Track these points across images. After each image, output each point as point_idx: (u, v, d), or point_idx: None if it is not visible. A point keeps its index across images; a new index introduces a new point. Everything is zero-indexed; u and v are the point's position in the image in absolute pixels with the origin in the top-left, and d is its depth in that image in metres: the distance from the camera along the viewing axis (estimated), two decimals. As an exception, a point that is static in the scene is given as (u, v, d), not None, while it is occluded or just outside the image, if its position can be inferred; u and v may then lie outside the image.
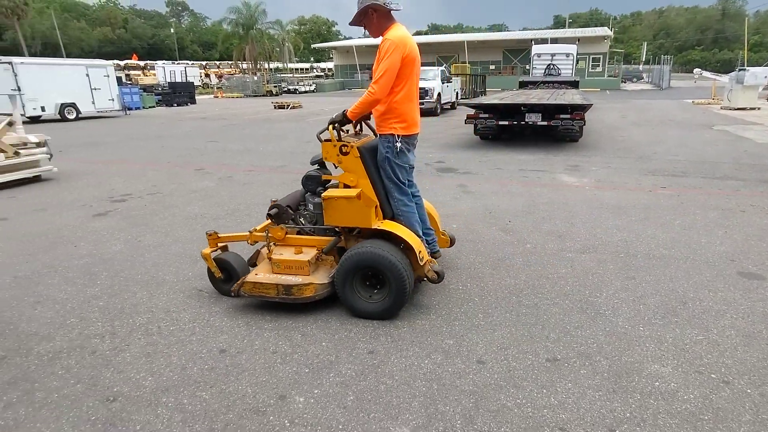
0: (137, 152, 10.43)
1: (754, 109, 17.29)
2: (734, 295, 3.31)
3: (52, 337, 2.97)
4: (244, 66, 46.43)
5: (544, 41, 33.66)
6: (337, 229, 3.27)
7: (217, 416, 2.24)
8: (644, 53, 61.41)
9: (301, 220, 3.54)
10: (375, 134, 3.37)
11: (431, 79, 18.03)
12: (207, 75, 50.51)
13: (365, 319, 3.08)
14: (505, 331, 2.90)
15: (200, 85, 42.83)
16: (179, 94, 27.65)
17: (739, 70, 19.04)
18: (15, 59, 17.77)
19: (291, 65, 53.63)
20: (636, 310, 3.13)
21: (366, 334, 2.92)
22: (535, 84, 17.71)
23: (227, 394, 2.39)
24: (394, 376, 2.51)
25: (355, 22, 3.18)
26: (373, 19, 3.05)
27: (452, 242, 3.86)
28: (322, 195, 3.16)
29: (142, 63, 47.87)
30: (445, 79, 18.92)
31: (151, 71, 43.52)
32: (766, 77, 19.30)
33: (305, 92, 39.27)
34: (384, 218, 3.24)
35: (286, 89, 38.75)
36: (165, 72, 39.71)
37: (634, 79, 49.62)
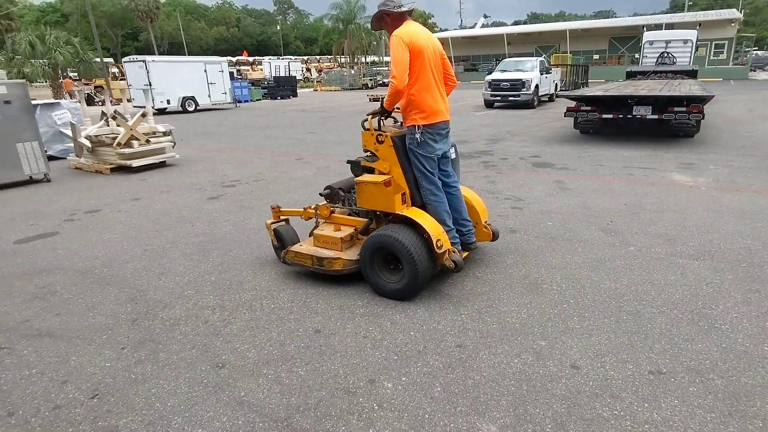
0: (245, 141, 11.25)
1: None
2: None
3: (173, 305, 3.34)
4: (342, 60, 47.88)
5: (657, 27, 30.79)
6: (375, 212, 3.49)
7: (311, 392, 2.39)
8: (783, 37, 53.55)
9: (350, 202, 3.80)
10: None
11: (528, 70, 17.34)
12: (308, 69, 52.85)
13: (454, 314, 3.08)
14: (602, 337, 2.75)
15: (301, 79, 44.92)
16: (283, 87, 29.27)
17: None
18: (147, 57, 19.94)
19: (386, 59, 54.32)
20: (761, 327, 2.80)
21: (454, 327, 2.92)
22: (644, 74, 16.23)
23: (321, 373, 2.54)
24: (482, 372, 2.49)
25: (375, 27, 3.48)
26: (387, 21, 3.30)
27: (495, 236, 3.82)
28: (355, 179, 3.42)
29: (251, 59, 51.30)
30: (544, 70, 18.07)
31: (258, 66, 46.50)
32: None
33: (399, 85, 39.48)
34: (413, 206, 3.38)
35: (381, 82, 39.39)
36: (271, 67, 42.23)
37: (767, 67, 43.65)
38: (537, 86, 16.92)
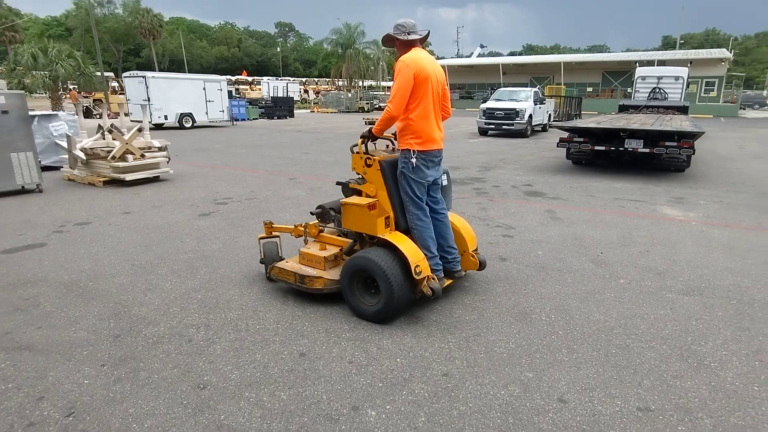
0: (240, 159, 11.26)
1: None
2: None
3: (157, 322, 3.28)
4: (340, 83, 48.50)
5: (650, 63, 31.59)
6: (361, 234, 3.51)
7: (293, 417, 2.33)
8: (771, 78, 55.21)
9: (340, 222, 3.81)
10: None
11: (523, 100, 17.64)
12: (306, 91, 53.44)
13: (441, 342, 3.05)
14: (590, 371, 2.72)
15: (299, 100, 45.39)
16: (280, 107, 29.50)
17: None
18: (148, 74, 20.11)
19: (383, 83, 55.12)
20: (750, 366, 2.78)
21: (441, 355, 2.88)
22: (636, 108, 16.56)
23: (304, 398, 2.48)
24: (468, 402, 2.45)
25: (386, 45, 3.56)
26: (396, 44, 3.40)
27: (482, 266, 3.78)
28: (341, 201, 3.47)
29: (250, 78, 51.81)
30: (538, 101, 18.39)
31: (257, 86, 46.92)
32: None
33: (396, 109, 40.03)
34: (397, 230, 3.42)
35: (377, 106, 39.86)
36: (269, 87, 42.62)
37: (757, 106, 44.75)
38: (531, 116, 17.18)
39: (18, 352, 2.90)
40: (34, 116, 8.93)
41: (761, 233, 5.52)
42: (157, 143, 8.47)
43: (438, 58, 74.03)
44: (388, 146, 3.80)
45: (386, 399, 2.47)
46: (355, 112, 36.49)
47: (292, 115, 29.66)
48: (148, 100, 19.14)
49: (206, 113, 21.52)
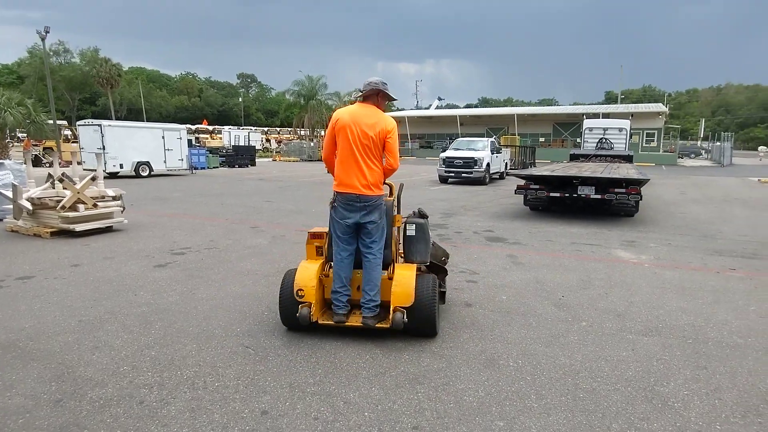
0: (199, 208, 11.02)
1: (830, 190, 16.22)
2: (826, 396, 2.94)
3: (105, 383, 3.04)
4: (303, 132, 49.07)
5: (595, 116, 33.70)
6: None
7: (255, 483, 2.17)
8: (702, 129, 59.96)
9: None
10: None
11: (480, 149, 18.37)
12: (268, 140, 53.72)
13: (410, 392, 2.96)
14: (560, 417, 2.70)
15: (261, 149, 45.48)
16: (241, 156, 29.41)
17: (810, 149, 18.15)
18: (104, 122, 19.73)
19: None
20: (711, 405, 2.83)
21: (410, 407, 2.79)
22: (586, 157, 17.53)
23: (266, 460, 2.32)
24: (440, 456, 2.36)
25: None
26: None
27: (391, 327, 3.52)
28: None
29: (210, 127, 51.71)
30: (495, 150, 19.17)
31: (218, 135, 46.83)
32: (841, 158, 18.19)
33: (358, 158, 40.73)
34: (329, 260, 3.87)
35: (339, 155, 40.41)
36: (230, 136, 42.63)
37: (692, 155, 48.23)
38: (488, 164, 17.82)
39: (-58, 423, 2.61)
40: (-22, 165, 8.49)
41: (707, 273, 5.79)
42: (111, 192, 8.19)
43: (398, 109, 76.58)
44: None
45: (354, 457, 2.35)
46: (318, 160, 36.80)
47: (253, 164, 29.56)
48: (103, 148, 18.68)
49: (164, 162, 21.15)
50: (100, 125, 19.21)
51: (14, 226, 7.96)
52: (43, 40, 26.87)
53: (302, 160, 37.47)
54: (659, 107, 40.68)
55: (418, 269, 3.81)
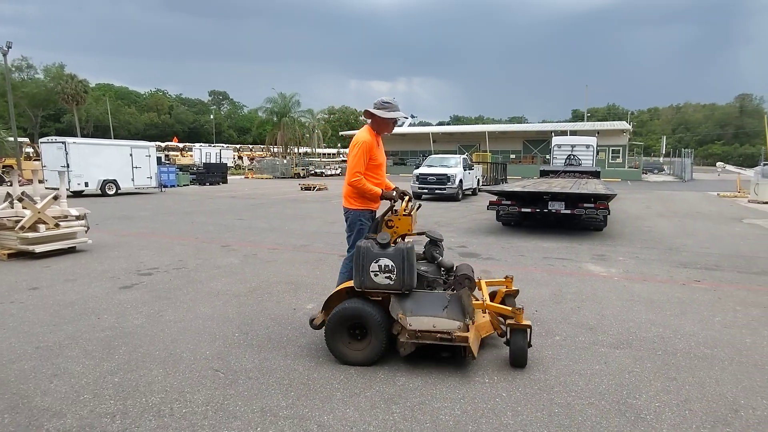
0: (168, 227, 10.74)
1: (783, 203, 17.02)
2: (789, 404, 3.02)
3: (63, 413, 2.87)
4: (275, 150, 48.83)
5: (563, 133, 34.71)
6: None
7: None
8: (664, 146, 62.43)
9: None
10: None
11: (453, 166, 18.61)
12: (240, 157, 53.20)
13: (385, 413, 2.90)
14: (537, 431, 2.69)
15: (233, 167, 44.98)
16: (212, 174, 29.00)
17: (764, 164, 19.12)
18: (69, 139, 19.17)
19: (319, 150, 56.15)
20: (681, 416, 2.87)
21: (386, 428, 2.73)
22: (556, 173, 17.98)
23: (236, 490, 2.22)
24: (417, 478, 2.30)
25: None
26: None
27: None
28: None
29: (181, 145, 50.90)
30: (467, 167, 19.45)
31: (188, 152, 46.09)
32: (792, 173, 19.25)
33: (331, 175, 40.78)
34: None
35: (313, 172, 40.33)
36: (201, 153, 42.01)
37: (656, 171, 50.04)
38: (461, 180, 18.06)
39: None
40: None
41: (674, 286, 5.94)
42: (74, 211, 7.91)
43: (371, 126, 77.10)
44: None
45: (328, 483, 2.27)
46: (291, 177, 36.60)
47: (225, 182, 29.17)
48: (68, 166, 18.13)
49: (132, 180, 20.66)
50: (64, 142, 18.66)
51: (-31, 247, 7.58)
52: (4, 55, 26.15)
53: (275, 177, 37.19)
54: (623, 125, 42.20)
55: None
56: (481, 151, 37.72)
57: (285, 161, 40.82)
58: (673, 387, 3.25)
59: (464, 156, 21.12)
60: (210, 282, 5.96)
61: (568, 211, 9.52)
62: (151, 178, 21.47)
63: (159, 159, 26.16)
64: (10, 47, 25.60)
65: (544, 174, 18.43)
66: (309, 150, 53.82)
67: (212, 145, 54.60)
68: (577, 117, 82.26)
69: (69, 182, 18.06)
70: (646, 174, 42.60)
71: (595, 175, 17.68)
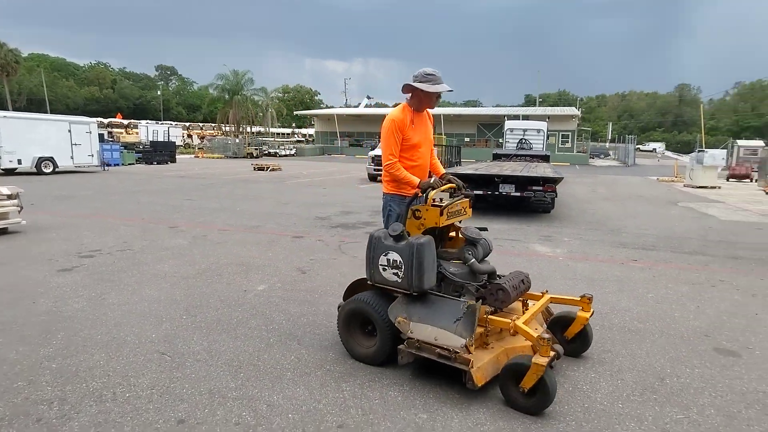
0: (111, 207, 10.24)
1: (715, 187, 18.26)
2: (711, 372, 3.29)
3: (-7, 403, 2.72)
4: (227, 128, 47.31)
5: (516, 117, 35.53)
6: None
7: (169, 498, 2.04)
8: (610, 132, 65.20)
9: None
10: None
11: (410, 148, 18.66)
12: (189, 135, 51.20)
13: (336, 391, 2.93)
14: (481, 405, 2.79)
15: (182, 145, 43.26)
16: (160, 152, 27.79)
17: (698, 151, 20.36)
18: (-2, 112, 17.78)
19: (273, 130, 54.89)
20: (614, 386, 3.07)
21: (336, 405, 2.77)
22: (508, 157, 18.41)
23: (182, 472, 2.19)
24: (365, 453, 2.35)
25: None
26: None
27: None
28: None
29: (125, 122, 48.38)
30: (424, 149, 19.56)
31: (134, 130, 43.93)
32: (723, 159, 20.63)
33: (285, 156, 40.04)
34: None
35: (266, 152, 39.43)
36: (148, 131, 40.13)
37: (602, 156, 52.27)
38: (417, 163, 18.16)
39: None
40: None
41: (613, 265, 6.28)
42: (6, 190, 7.39)
43: (327, 106, 76.07)
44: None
45: (277, 461, 2.28)
46: (243, 157, 35.65)
47: (173, 161, 28.04)
48: (-2, 142, 16.87)
49: (71, 157, 19.48)
50: (-7, 116, 17.31)
51: None
52: None
53: (227, 157, 36.13)
54: (573, 110, 43.70)
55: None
56: (437, 133, 38.07)
57: (237, 141, 39.66)
58: (608, 358, 3.46)
59: (420, 138, 21.23)
60: (157, 264, 5.76)
61: (518, 194, 9.82)
62: (92, 156, 20.31)
63: (101, 136, 24.77)
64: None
65: (496, 157, 18.81)
66: (262, 129, 52.53)
67: (160, 122, 52.22)
68: (529, 102, 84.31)
69: (0, 159, 16.85)
70: (593, 159, 44.40)
71: (545, 159, 18.23)
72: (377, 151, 18.57)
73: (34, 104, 54.10)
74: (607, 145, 63.28)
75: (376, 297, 3.25)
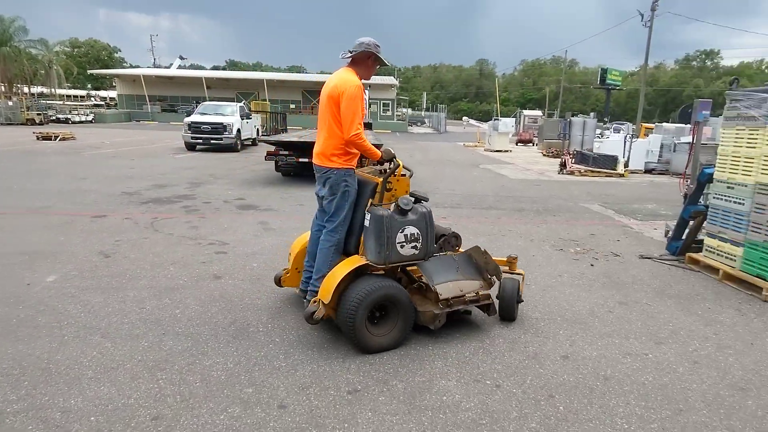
0: None
1: (507, 151, 21.36)
2: (499, 307, 3.88)
3: None
4: (-3, 88, 38.29)
5: (340, 85, 36.05)
6: None
7: None
8: (425, 101, 70.90)
9: None
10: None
11: (229, 114, 17.64)
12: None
13: (150, 381, 2.68)
14: (306, 370, 2.85)
15: (-74, 108, 33.68)
16: None
17: (494, 119, 23.49)
18: None
19: (61, 91, 46.27)
20: (426, 331, 3.39)
21: (150, 397, 2.53)
22: (334, 124, 18.71)
23: None
24: (185, 440, 2.21)
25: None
26: None
27: (305, 315, 3.13)
28: None
29: None
30: (245, 116, 18.67)
31: None
32: (513, 126, 24.19)
33: (81, 122, 34.28)
34: None
35: (54, 118, 33.14)
36: None
37: (419, 123, 56.73)
38: (239, 130, 17.26)
39: None
40: None
41: (427, 223, 6.92)
42: None
43: (132, 66, 66.67)
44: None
45: (76, 473, 2.00)
46: (22, 124, 29.38)
47: None
48: None
49: None
50: None
51: None
52: None
53: (-2, 123, 29.36)
54: (391, 80, 46.06)
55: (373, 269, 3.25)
56: (260, 100, 36.62)
57: (11, 103, 32.38)
58: (421, 308, 3.83)
59: (241, 104, 20.16)
60: None
61: (343, 160, 10.06)
62: None
63: None
64: None
65: (322, 125, 18.95)
66: (46, 91, 43.89)
67: None
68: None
69: None
70: (411, 126, 47.85)
71: (368, 126, 18.99)
72: (195, 118, 17.10)
73: None
74: (423, 113, 68.79)
75: (392, 279, 3.26)
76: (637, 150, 15.08)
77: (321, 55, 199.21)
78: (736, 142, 4.85)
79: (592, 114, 30.21)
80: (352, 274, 3.11)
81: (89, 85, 64.30)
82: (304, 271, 3.56)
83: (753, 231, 4.57)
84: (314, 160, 3.46)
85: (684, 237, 5.55)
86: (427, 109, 70.97)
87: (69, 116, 34.69)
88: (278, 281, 3.80)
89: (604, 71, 36.27)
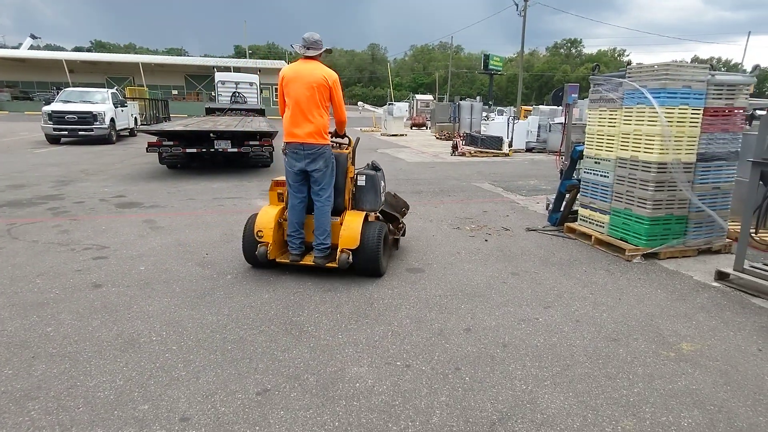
0: None
1: (403, 135, 21.87)
2: (405, 290, 3.97)
3: None
4: None
5: (227, 69, 34.17)
6: None
7: None
8: (317, 87, 69.59)
9: None
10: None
11: (100, 102, 15.91)
12: None
13: (18, 415, 2.32)
14: (210, 376, 2.67)
15: None
16: None
17: (389, 104, 23.88)
18: None
19: None
20: (335, 320, 3.37)
21: (25, 422, 2.19)
22: (222, 111, 17.65)
23: None
24: (69, 475, 1.95)
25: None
26: None
27: (338, 265, 3.94)
28: None
29: None
30: (119, 103, 16.94)
31: None
32: (406, 110, 24.79)
33: None
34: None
35: None
36: None
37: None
38: (113, 119, 15.65)
39: None
40: None
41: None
42: None
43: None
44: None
45: None
46: None
47: None
48: None
49: None
50: None
51: None
52: None
53: None
54: (283, 64, 44.64)
55: (369, 217, 4.23)
56: (137, 85, 33.49)
57: None
58: (328, 297, 3.77)
59: (114, 90, 18.22)
60: None
61: (236, 150, 9.56)
62: None
63: None
64: None
65: (210, 112, 17.75)
66: None
67: None
68: (239, 53, 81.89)
69: None
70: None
71: (261, 112, 18.23)
72: (57, 106, 15.14)
73: None
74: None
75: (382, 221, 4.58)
76: (519, 131, 16.32)
77: (202, 37, 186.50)
78: (599, 122, 5.41)
79: (478, 98, 31.96)
80: (363, 223, 4.01)
81: None
82: (294, 239, 4.08)
83: (616, 200, 5.17)
84: (303, 140, 3.94)
85: (562, 209, 6.11)
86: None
87: None
88: (265, 256, 4.00)
89: (487, 57, 38.41)
